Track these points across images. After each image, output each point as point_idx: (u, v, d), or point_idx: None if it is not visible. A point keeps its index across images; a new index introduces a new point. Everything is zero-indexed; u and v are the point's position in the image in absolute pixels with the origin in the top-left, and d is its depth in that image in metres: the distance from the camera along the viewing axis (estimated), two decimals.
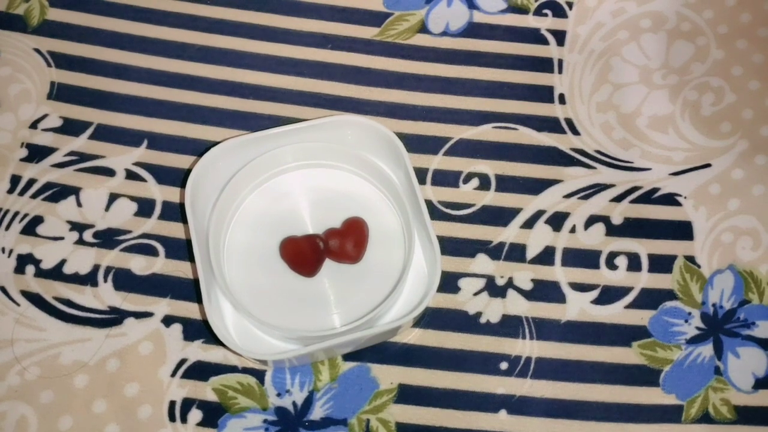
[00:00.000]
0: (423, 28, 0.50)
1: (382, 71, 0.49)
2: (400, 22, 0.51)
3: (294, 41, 0.50)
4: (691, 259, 0.44)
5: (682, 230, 0.45)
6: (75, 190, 0.45)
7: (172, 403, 0.40)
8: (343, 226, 0.43)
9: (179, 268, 0.43)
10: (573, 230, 0.45)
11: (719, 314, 0.43)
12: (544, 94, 0.48)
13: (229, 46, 0.49)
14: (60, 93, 0.48)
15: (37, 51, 0.49)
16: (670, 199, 0.46)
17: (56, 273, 0.43)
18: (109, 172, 0.45)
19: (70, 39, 0.49)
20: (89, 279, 0.43)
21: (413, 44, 0.50)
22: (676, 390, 0.41)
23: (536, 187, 0.46)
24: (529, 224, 0.45)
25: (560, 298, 0.43)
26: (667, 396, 0.41)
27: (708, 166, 0.47)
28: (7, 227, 0.44)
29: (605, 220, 0.45)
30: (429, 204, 0.45)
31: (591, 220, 0.45)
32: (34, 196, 0.45)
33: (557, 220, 0.45)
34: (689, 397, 0.41)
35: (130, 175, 0.45)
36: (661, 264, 0.44)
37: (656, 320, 0.43)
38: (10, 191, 0.45)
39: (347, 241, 0.43)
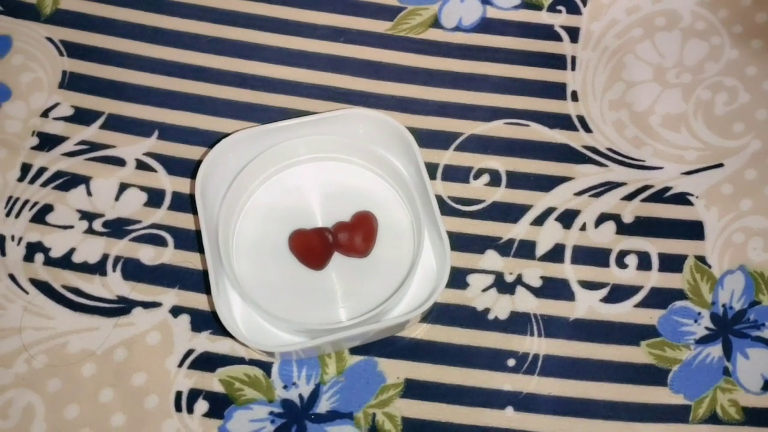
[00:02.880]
0: (436, 23, 0.50)
1: (394, 65, 0.49)
2: (413, 17, 0.50)
3: (306, 34, 0.50)
4: (701, 259, 0.44)
5: (694, 230, 0.44)
6: (85, 180, 0.45)
7: (179, 394, 0.40)
8: (353, 219, 0.43)
9: (188, 259, 0.43)
10: (583, 228, 0.44)
11: (729, 315, 0.43)
12: (557, 90, 0.48)
13: (241, 38, 0.49)
14: (72, 82, 0.48)
15: (50, 40, 0.49)
16: (682, 199, 0.45)
17: (65, 262, 0.43)
18: (120, 162, 0.45)
19: (83, 28, 0.49)
20: (98, 268, 0.43)
21: (426, 39, 0.50)
22: (684, 390, 0.41)
23: (547, 184, 0.45)
24: (539, 221, 0.44)
25: (569, 296, 0.43)
26: (675, 396, 0.41)
27: (720, 165, 0.46)
28: (17, 215, 0.44)
29: (616, 218, 0.45)
30: (439, 199, 0.45)
31: (602, 218, 0.45)
32: (44, 184, 0.45)
33: (568, 218, 0.45)
34: (697, 397, 0.41)
35: (141, 165, 0.45)
36: (671, 263, 0.44)
37: (665, 320, 0.42)
38: (21, 179, 0.45)
39: (356, 234, 0.43)
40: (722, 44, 0.50)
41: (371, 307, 0.41)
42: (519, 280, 0.43)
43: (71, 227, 0.44)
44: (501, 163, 0.46)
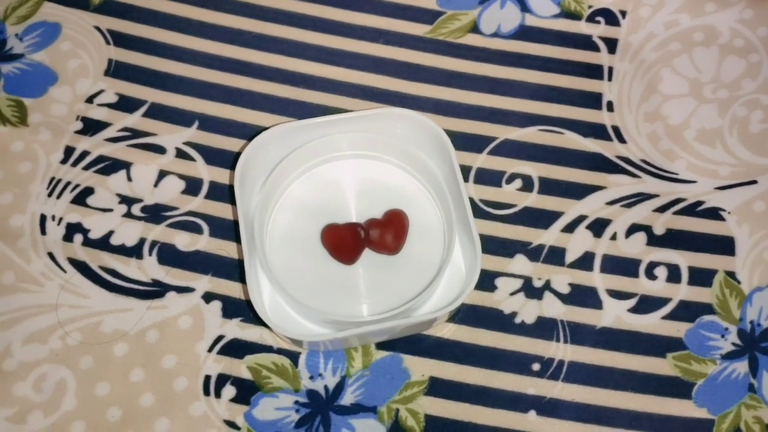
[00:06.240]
0: (474, 28, 0.51)
1: (431, 68, 0.49)
2: (452, 21, 0.51)
3: (346, 34, 0.51)
4: (731, 274, 0.44)
5: (724, 245, 0.44)
6: (126, 165, 0.46)
7: (208, 378, 0.41)
8: (385, 217, 0.44)
9: (222, 247, 0.44)
10: (614, 237, 0.45)
11: (756, 332, 0.42)
12: (592, 100, 0.48)
13: (282, 35, 0.50)
14: (117, 70, 0.49)
15: (97, 29, 0.50)
16: (714, 214, 0.45)
17: (103, 243, 0.44)
18: (160, 150, 0.46)
19: (130, 19, 0.51)
20: (135, 251, 0.44)
21: (464, 43, 0.50)
22: (708, 404, 0.41)
23: (579, 192, 0.46)
24: (569, 228, 0.45)
25: (597, 304, 0.43)
26: (699, 409, 0.41)
27: (754, 182, 0.46)
28: (59, 196, 0.45)
29: (647, 229, 0.45)
30: (471, 202, 0.45)
31: (632, 229, 0.45)
32: (86, 167, 0.46)
33: (598, 227, 0.45)
34: (721, 412, 0.41)
35: (180, 154, 0.46)
36: (700, 277, 0.44)
37: (692, 333, 0.42)
38: (64, 161, 0.46)
39: (387, 232, 0.43)
40: (760, 62, 0.50)
41: (398, 304, 0.41)
42: (547, 286, 0.43)
43: (110, 210, 0.45)
44: (534, 169, 0.46)
